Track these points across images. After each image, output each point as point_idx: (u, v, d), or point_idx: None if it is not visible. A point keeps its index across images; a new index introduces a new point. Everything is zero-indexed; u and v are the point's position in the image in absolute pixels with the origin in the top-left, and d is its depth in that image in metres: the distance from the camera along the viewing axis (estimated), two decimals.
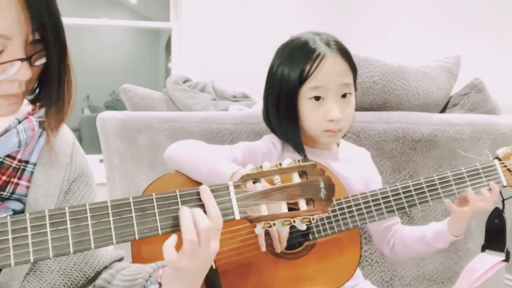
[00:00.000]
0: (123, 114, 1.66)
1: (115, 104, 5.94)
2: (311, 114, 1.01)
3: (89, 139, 5.03)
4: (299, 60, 1.00)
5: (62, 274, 0.76)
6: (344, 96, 1.01)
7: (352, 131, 1.25)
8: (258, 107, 1.81)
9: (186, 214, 0.65)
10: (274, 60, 1.06)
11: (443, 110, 1.56)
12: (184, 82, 2.11)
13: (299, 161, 0.72)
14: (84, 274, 0.79)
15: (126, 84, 2.02)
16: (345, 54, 1.02)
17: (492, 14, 2.27)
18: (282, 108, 1.03)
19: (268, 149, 1.06)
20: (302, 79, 0.99)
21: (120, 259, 0.87)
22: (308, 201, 0.70)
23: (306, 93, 1.00)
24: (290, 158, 1.01)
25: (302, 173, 0.71)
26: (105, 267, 0.83)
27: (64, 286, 0.76)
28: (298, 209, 0.70)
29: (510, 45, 2.16)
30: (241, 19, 3.36)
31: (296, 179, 0.71)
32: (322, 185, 0.71)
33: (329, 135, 1.02)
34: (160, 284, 0.71)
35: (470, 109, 1.52)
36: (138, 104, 1.97)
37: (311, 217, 0.69)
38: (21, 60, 0.61)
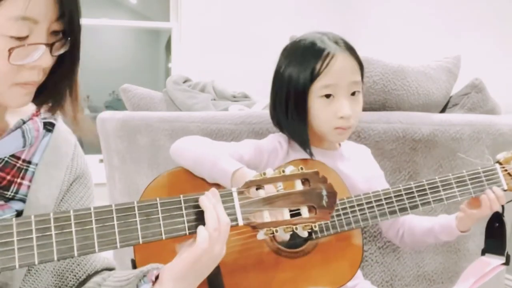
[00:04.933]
0: (123, 114, 1.66)
1: (115, 104, 5.94)
2: (322, 112, 1.01)
3: (89, 139, 5.02)
4: (309, 60, 1.00)
5: (55, 275, 0.76)
6: (353, 94, 1.02)
7: (352, 131, 1.25)
8: (258, 107, 1.81)
9: (208, 205, 0.67)
10: (281, 62, 1.06)
11: (443, 110, 1.56)
12: (184, 82, 2.11)
13: (301, 168, 0.72)
14: (75, 276, 0.80)
15: (126, 84, 2.02)
16: (353, 51, 1.03)
17: (492, 14, 2.27)
18: (291, 106, 1.03)
19: (274, 147, 1.06)
20: (313, 77, 0.99)
21: (111, 269, 0.86)
22: (310, 209, 0.71)
23: (317, 91, 1.00)
24: (295, 158, 1.03)
25: (305, 181, 0.72)
26: (97, 272, 0.83)
27: (56, 287, 0.77)
28: (300, 215, 0.70)
29: (510, 45, 2.16)
30: (241, 19, 3.36)
31: (298, 186, 0.71)
32: (324, 192, 0.72)
33: (339, 133, 1.02)
34: (153, 283, 0.71)
35: (470, 109, 1.52)
36: (138, 104, 1.97)
37: (312, 225, 0.70)
38: (46, 45, 0.63)
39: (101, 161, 1.95)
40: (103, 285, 0.77)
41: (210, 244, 0.65)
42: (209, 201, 0.67)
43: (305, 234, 0.72)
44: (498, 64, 2.19)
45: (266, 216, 0.69)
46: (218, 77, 2.42)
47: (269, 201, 0.69)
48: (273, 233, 0.69)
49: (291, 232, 0.70)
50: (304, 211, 0.71)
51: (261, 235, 0.70)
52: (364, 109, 1.32)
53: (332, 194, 0.72)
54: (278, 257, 0.95)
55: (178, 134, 1.39)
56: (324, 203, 0.71)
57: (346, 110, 0.99)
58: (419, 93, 1.38)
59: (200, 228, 0.66)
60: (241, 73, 3.17)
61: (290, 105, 1.03)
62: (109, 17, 5.80)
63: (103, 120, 1.75)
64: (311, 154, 1.04)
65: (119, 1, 6.48)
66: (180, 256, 0.68)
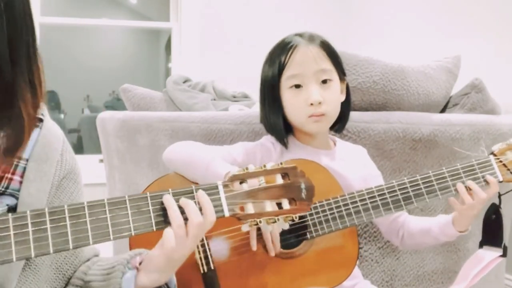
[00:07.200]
0: (123, 114, 1.66)
1: (115, 104, 5.93)
2: (293, 102, 1.05)
3: (89, 139, 5.03)
4: (277, 55, 1.06)
5: (54, 268, 0.78)
6: (324, 82, 1.04)
7: (352, 131, 1.25)
8: (258, 107, 1.81)
9: (173, 205, 0.69)
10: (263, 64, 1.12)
11: (443, 110, 1.56)
12: (184, 82, 2.11)
13: (281, 163, 0.77)
14: (74, 267, 0.82)
15: (126, 84, 2.02)
16: (321, 43, 1.06)
17: (492, 14, 2.27)
18: (266, 102, 1.08)
19: (268, 149, 1.07)
20: (280, 70, 1.04)
21: (97, 255, 0.89)
22: (291, 201, 0.75)
23: (285, 82, 1.05)
24: (290, 159, 1.03)
25: (284, 175, 0.76)
26: (88, 259, 0.86)
27: (56, 279, 0.79)
28: (282, 208, 0.74)
29: (510, 45, 2.16)
30: (241, 19, 3.36)
31: (279, 180, 0.76)
32: (303, 186, 0.76)
33: (314, 120, 1.04)
34: (137, 269, 0.75)
35: (470, 109, 1.52)
36: (138, 104, 1.97)
37: (293, 216, 0.74)
38: None
39: (101, 161, 1.95)
40: (88, 274, 0.80)
41: (177, 241, 0.68)
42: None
43: (286, 226, 0.78)
44: (498, 64, 2.19)
45: (250, 208, 0.73)
46: (218, 77, 2.42)
47: (252, 194, 0.73)
48: (257, 224, 0.72)
49: (273, 223, 0.74)
50: (285, 203, 0.74)
51: (245, 227, 0.74)
52: (364, 109, 1.33)
53: (310, 187, 0.77)
54: (275, 258, 0.95)
55: (178, 134, 1.39)
56: (303, 195, 0.76)
57: (315, 96, 1.01)
58: (419, 93, 1.38)
59: (166, 228, 0.69)
60: (241, 73, 3.16)
61: (266, 101, 1.08)
62: (109, 17, 5.80)
63: (103, 120, 1.75)
64: (285, 145, 1.08)
65: (119, 1, 6.48)
66: (155, 252, 0.72)
